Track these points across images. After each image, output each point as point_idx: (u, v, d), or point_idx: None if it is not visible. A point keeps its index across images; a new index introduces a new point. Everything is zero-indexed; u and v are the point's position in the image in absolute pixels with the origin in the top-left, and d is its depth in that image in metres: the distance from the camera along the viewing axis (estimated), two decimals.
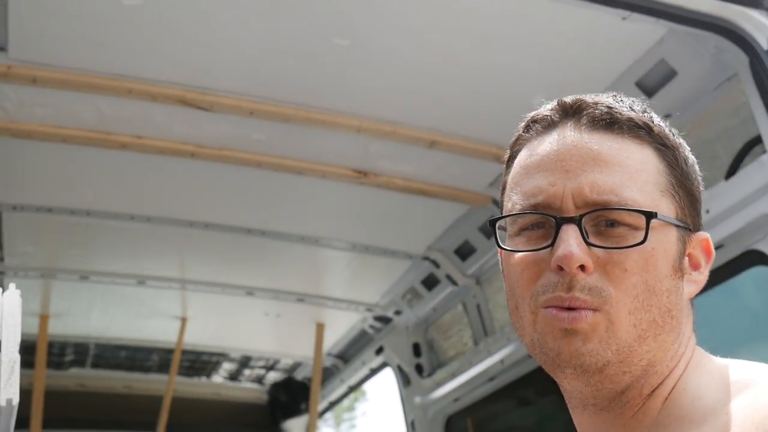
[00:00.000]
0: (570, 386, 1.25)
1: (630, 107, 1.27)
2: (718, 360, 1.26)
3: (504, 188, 1.33)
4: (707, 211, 3.01)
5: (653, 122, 1.27)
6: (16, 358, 1.25)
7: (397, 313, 5.61)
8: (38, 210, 4.51)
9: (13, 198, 4.43)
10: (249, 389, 7.20)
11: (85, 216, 4.58)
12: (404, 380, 5.61)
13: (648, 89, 3.33)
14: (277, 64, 3.51)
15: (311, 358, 6.20)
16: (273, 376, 7.11)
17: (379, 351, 5.88)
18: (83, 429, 6.36)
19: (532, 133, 1.30)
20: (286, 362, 6.90)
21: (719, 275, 3.14)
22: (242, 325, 6.26)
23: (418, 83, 3.61)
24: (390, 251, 5.04)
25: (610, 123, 1.24)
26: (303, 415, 6.86)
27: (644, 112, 1.28)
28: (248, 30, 3.30)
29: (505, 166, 1.35)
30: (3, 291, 1.32)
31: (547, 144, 1.26)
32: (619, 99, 1.28)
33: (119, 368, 6.66)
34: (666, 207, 1.22)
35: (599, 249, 1.17)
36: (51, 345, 5.98)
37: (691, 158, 1.30)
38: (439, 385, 5.26)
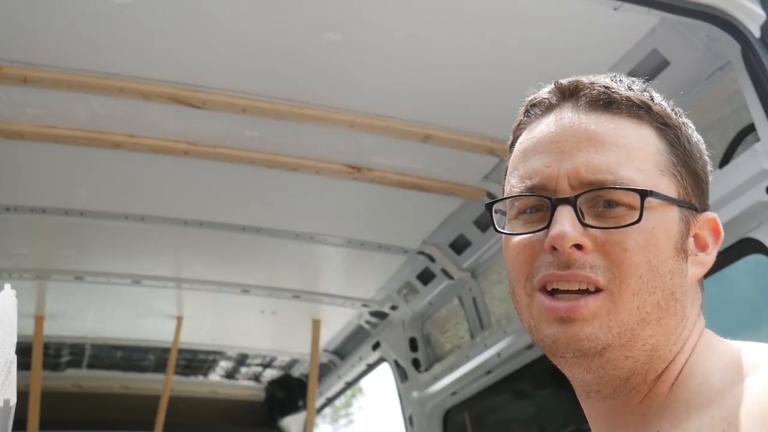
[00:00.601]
0: (571, 373, 1.23)
1: (629, 87, 1.26)
2: (732, 343, 1.23)
3: (505, 174, 1.33)
4: None
5: (653, 101, 1.26)
6: (13, 359, 1.25)
7: (393, 308, 5.61)
8: (32, 211, 4.49)
9: (6, 199, 4.41)
10: (246, 387, 7.19)
11: (78, 216, 4.57)
12: (401, 375, 5.61)
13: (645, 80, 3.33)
14: (270, 60, 3.50)
15: (308, 354, 6.20)
16: (270, 374, 7.10)
17: (376, 346, 5.88)
18: (80, 429, 6.33)
19: (531, 117, 1.30)
20: (282, 359, 6.90)
21: (714, 264, 3.14)
22: (238, 323, 6.25)
23: (411, 77, 3.60)
24: (385, 246, 5.03)
25: (607, 103, 1.23)
26: (300, 411, 6.86)
27: (644, 91, 1.27)
28: (240, 26, 3.29)
29: (508, 152, 1.35)
30: None
31: (544, 126, 1.26)
32: (618, 79, 1.28)
33: (116, 368, 6.65)
34: (666, 186, 1.21)
35: (596, 230, 1.16)
36: (47, 346, 5.96)
37: (696, 137, 1.29)
38: (436, 379, 5.26)
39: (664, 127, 1.25)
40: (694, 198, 1.25)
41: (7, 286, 1.33)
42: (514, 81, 3.49)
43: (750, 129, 3.00)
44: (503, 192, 1.33)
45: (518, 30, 3.31)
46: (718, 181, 3.03)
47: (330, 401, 7.13)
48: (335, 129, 3.89)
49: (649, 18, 3.10)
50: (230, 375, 7.05)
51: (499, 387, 4.95)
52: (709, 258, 1.26)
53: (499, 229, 1.26)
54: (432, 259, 5.02)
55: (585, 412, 1.30)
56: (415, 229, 4.90)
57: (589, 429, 1.31)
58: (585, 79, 1.27)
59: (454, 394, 5.18)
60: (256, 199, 4.58)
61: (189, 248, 5.10)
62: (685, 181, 1.23)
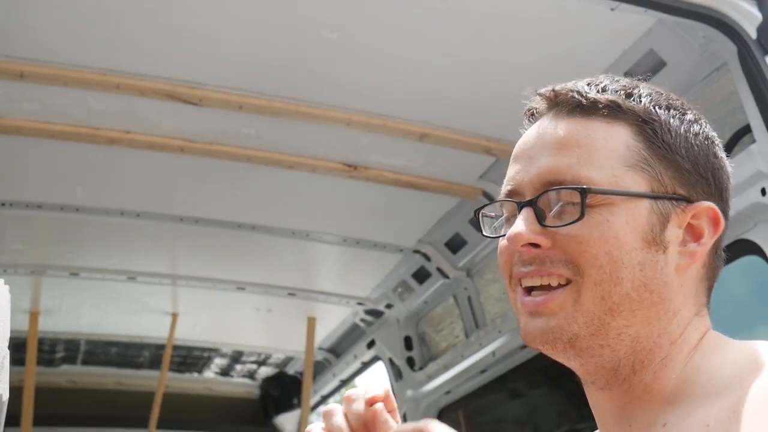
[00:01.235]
0: (562, 363, 1.28)
1: (602, 89, 1.29)
2: (747, 342, 1.24)
3: None
4: None
5: (629, 99, 1.28)
6: (6, 354, 1.25)
7: (389, 306, 5.61)
8: (27, 206, 4.48)
9: (1, 194, 4.41)
10: (241, 384, 7.19)
11: (74, 212, 4.56)
12: (396, 373, 5.61)
13: (642, 80, 3.33)
14: (266, 57, 3.50)
15: (303, 352, 6.19)
16: (265, 371, 7.10)
17: (371, 345, 5.88)
18: (74, 426, 6.33)
19: (525, 126, 1.36)
20: (277, 357, 6.90)
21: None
22: (233, 320, 6.25)
23: (408, 76, 3.60)
24: (381, 245, 5.03)
25: (581, 107, 1.28)
26: (295, 409, 6.85)
27: (625, 90, 1.30)
28: (237, 23, 3.29)
29: None
30: None
31: (525, 136, 1.33)
32: (596, 82, 1.31)
33: (110, 365, 6.63)
34: (630, 180, 1.23)
35: (552, 228, 1.22)
36: (41, 342, 5.95)
37: (685, 129, 1.29)
38: (430, 378, 5.26)
39: (641, 123, 1.27)
40: (681, 189, 1.25)
41: (1, 281, 1.33)
42: (510, 81, 3.50)
43: (746, 130, 3.01)
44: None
45: (515, 30, 3.31)
46: None
47: (325, 399, 7.12)
48: (332, 127, 3.89)
49: (645, 18, 3.11)
50: (225, 372, 7.05)
51: (494, 386, 4.96)
52: (701, 248, 1.26)
53: (486, 234, 1.35)
54: (427, 258, 5.02)
55: (588, 401, 1.34)
56: (410, 228, 4.90)
57: (583, 429, 1.34)
58: (561, 87, 1.32)
59: (448, 392, 5.18)
60: (252, 197, 4.58)
61: (184, 245, 5.09)
62: (661, 174, 1.25)
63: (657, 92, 1.32)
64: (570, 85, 1.31)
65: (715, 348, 1.24)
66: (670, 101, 1.32)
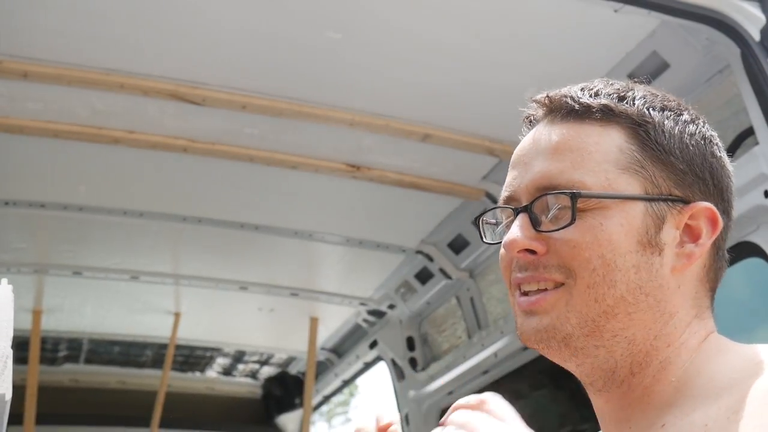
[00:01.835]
0: (560, 365, 1.29)
1: (595, 93, 1.30)
2: (750, 345, 1.23)
3: None
4: None
5: (622, 102, 1.29)
6: (9, 353, 1.25)
7: (391, 307, 5.61)
8: (31, 205, 4.49)
9: (5, 193, 4.42)
10: (243, 384, 7.19)
11: (77, 211, 4.57)
12: (398, 374, 5.61)
13: (640, 82, 3.33)
14: (270, 57, 3.50)
15: (305, 352, 6.20)
16: (267, 371, 7.10)
17: (373, 345, 5.88)
18: (77, 425, 6.34)
19: (523, 132, 1.37)
20: (280, 357, 6.90)
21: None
22: (236, 319, 6.25)
23: (411, 77, 3.60)
24: (383, 245, 5.03)
25: (575, 112, 1.29)
26: (297, 409, 6.86)
27: (611, 94, 1.30)
28: (240, 23, 3.29)
29: None
30: None
31: (522, 142, 1.34)
32: (589, 87, 1.32)
33: (113, 364, 6.64)
34: (625, 183, 1.23)
35: (546, 233, 1.23)
36: (44, 341, 5.96)
37: (680, 130, 1.28)
38: (433, 378, 5.26)
39: (635, 125, 1.27)
40: (677, 190, 1.25)
41: (4, 280, 1.33)
42: (514, 82, 3.49)
43: (749, 132, 3.00)
44: None
45: (519, 31, 3.31)
46: None
47: (327, 399, 7.13)
48: (335, 127, 3.89)
49: (649, 20, 3.11)
50: (227, 372, 7.05)
51: (496, 387, 4.95)
52: (698, 249, 1.25)
53: (485, 240, 1.37)
54: (430, 259, 5.02)
55: (592, 402, 1.34)
56: (413, 229, 4.90)
57: (585, 430, 1.34)
58: (555, 93, 1.32)
59: (450, 393, 5.18)
60: (254, 197, 4.58)
61: (187, 245, 5.10)
62: (655, 176, 1.25)
63: (652, 94, 1.33)
64: (564, 90, 1.32)
65: (717, 351, 1.23)
66: (665, 102, 1.32)
